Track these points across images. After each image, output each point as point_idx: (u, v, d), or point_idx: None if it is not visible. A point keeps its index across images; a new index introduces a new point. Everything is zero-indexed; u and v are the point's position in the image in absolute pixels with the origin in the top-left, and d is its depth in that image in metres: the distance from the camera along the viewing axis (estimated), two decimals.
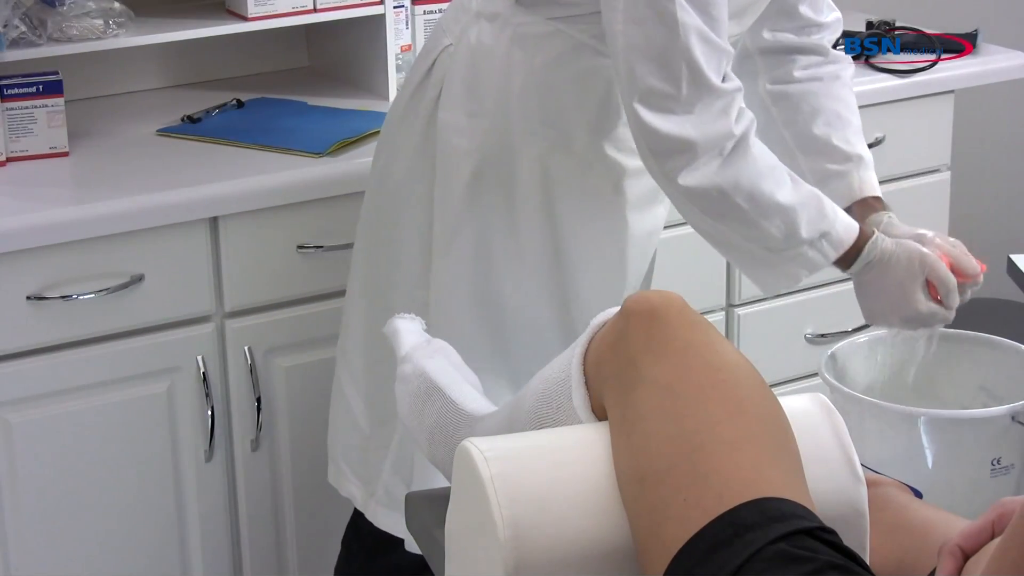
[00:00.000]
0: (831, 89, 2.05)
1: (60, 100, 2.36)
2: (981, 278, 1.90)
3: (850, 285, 2.94)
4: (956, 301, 1.87)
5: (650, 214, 2.05)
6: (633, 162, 1.93)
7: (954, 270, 1.87)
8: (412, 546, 2.03)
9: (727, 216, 1.82)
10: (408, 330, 1.71)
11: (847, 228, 1.85)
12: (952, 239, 1.94)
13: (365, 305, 2.12)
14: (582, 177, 1.96)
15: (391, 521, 2.12)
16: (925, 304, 1.86)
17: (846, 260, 1.88)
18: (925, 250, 1.87)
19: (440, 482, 1.91)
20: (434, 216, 2.00)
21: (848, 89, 2.07)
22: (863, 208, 1.98)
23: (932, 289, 1.87)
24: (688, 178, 1.78)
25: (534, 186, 1.95)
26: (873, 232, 1.88)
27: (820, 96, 2.04)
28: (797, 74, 2.05)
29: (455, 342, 1.75)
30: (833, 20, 2.09)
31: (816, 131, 2.02)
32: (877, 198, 2.00)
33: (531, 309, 2.00)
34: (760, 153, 1.81)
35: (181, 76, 2.75)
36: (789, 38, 2.06)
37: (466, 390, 1.59)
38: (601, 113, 1.91)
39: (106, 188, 2.26)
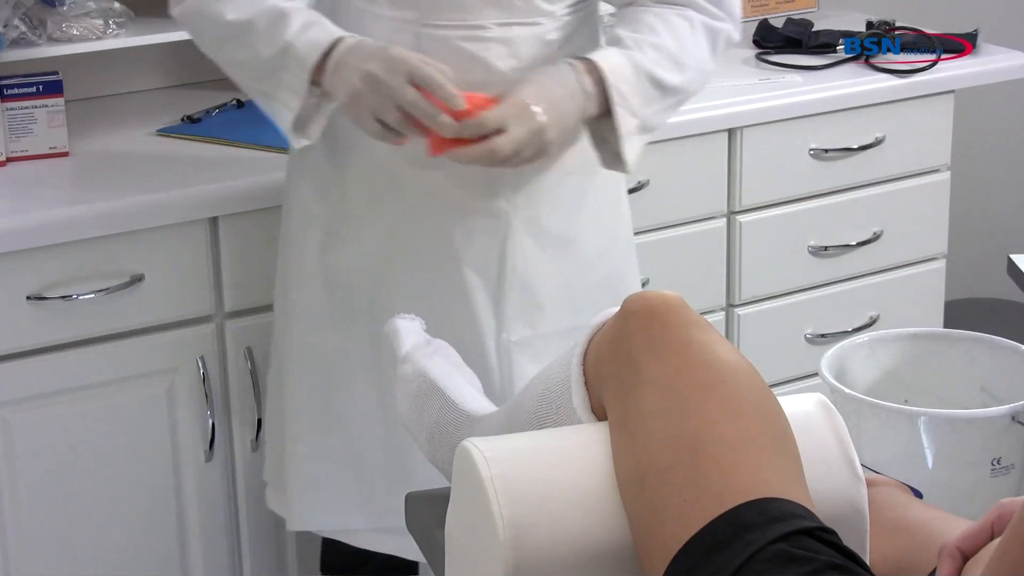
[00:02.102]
0: (670, 19, 1.83)
1: (60, 100, 2.36)
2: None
3: (851, 285, 2.93)
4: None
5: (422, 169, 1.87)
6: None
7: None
8: (292, 524, 2.09)
9: (205, 42, 1.92)
10: (408, 330, 1.71)
11: (311, 42, 1.79)
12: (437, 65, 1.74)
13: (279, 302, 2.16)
14: None
15: (275, 501, 2.17)
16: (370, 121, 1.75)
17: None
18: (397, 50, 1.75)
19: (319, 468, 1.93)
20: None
21: (695, 33, 1.83)
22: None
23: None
24: (174, 8, 1.92)
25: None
26: (342, 38, 1.79)
27: (652, 15, 1.83)
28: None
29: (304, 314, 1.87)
30: None
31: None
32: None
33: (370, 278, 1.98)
34: None
35: (181, 76, 2.75)
36: None
37: (466, 390, 1.59)
38: None
39: (106, 188, 2.26)
